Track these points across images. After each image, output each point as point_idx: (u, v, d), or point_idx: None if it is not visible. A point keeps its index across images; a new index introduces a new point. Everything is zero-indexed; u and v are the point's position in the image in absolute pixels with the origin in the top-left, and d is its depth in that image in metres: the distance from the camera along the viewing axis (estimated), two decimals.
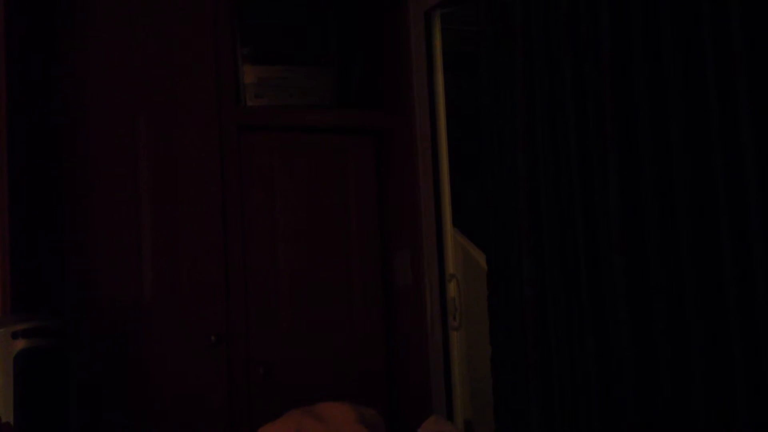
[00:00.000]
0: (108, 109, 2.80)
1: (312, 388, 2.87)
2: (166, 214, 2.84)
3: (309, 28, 3.18)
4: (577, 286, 2.03)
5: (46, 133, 2.73)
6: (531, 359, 2.15)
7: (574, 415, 2.04)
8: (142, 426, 2.71)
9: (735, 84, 1.64)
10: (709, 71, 1.70)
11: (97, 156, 2.78)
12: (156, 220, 2.82)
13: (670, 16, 1.78)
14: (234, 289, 2.89)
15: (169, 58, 2.89)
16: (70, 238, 2.71)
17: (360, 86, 3.28)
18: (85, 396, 2.52)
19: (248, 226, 2.95)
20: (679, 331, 1.78)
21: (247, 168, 2.97)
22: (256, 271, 2.94)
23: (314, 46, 3.15)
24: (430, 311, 2.90)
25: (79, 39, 2.79)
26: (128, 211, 2.79)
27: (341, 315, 3.04)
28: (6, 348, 2.04)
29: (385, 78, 3.18)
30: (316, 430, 1.71)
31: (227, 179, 2.92)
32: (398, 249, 3.07)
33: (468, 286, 2.90)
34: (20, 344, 2.05)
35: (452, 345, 2.92)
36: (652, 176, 1.85)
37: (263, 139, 3.03)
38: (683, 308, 1.77)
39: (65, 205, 2.72)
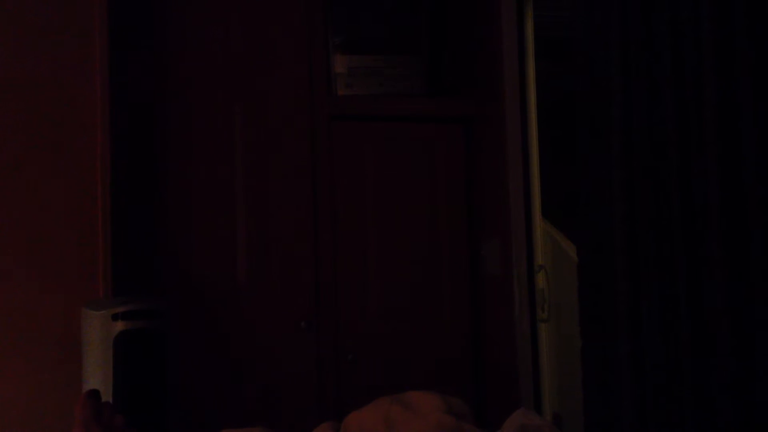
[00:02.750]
0: (207, 98, 2.88)
1: (398, 375, 2.89)
2: (260, 201, 2.90)
3: (399, 16, 3.18)
4: (673, 280, 1.97)
5: (146, 120, 2.82)
6: (623, 353, 2.10)
7: (667, 410, 1.98)
8: (234, 404, 2.78)
9: None
10: None
11: (196, 143, 2.86)
12: (249, 206, 2.88)
13: None
14: (323, 276, 2.93)
15: (264, 48, 2.95)
16: (168, 223, 2.80)
17: (449, 74, 3.26)
18: (180, 375, 2.60)
19: (338, 215, 2.98)
20: None
21: (338, 157, 3.00)
22: (345, 259, 2.97)
23: (404, 35, 3.15)
24: (519, 302, 2.87)
25: (179, 31, 2.87)
26: (224, 196, 2.87)
27: (429, 303, 3.04)
28: (107, 330, 2.12)
29: (475, 65, 3.14)
30: (404, 418, 1.72)
31: (318, 167, 2.96)
32: (487, 238, 3.04)
33: (557, 277, 2.85)
34: (120, 326, 2.13)
35: (540, 337, 2.88)
36: (755, 166, 1.77)
37: (353, 129, 3.05)
38: None
39: (164, 189, 2.81)
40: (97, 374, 2.11)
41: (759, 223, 1.76)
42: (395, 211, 3.06)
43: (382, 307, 3.00)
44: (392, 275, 3.02)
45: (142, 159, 2.80)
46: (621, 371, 2.11)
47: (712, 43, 1.85)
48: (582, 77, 2.29)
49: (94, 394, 1.56)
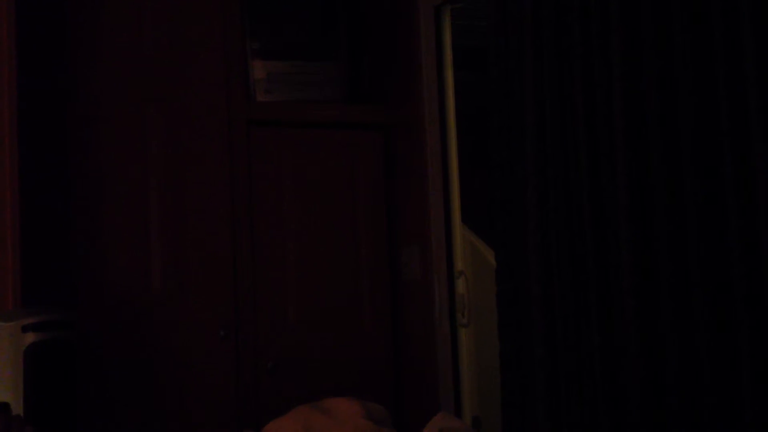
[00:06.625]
0: (119, 102, 2.81)
1: (319, 382, 2.88)
2: (175, 207, 2.84)
3: (318, 22, 3.18)
4: (584, 283, 2.03)
5: (55, 125, 2.75)
6: (538, 356, 2.15)
7: (580, 412, 2.04)
8: (150, 417, 2.72)
9: (745, 79, 1.64)
10: (720, 65, 1.69)
11: (107, 148, 2.79)
12: (165, 212, 2.83)
13: (680, 8, 1.78)
14: (242, 283, 2.90)
15: (180, 52, 2.89)
16: (79, 231, 2.73)
17: (369, 81, 3.28)
18: (94, 387, 2.54)
19: (256, 221, 2.96)
20: (686, 327, 1.78)
21: (256, 162, 2.97)
22: (264, 266, 2.95)
23: (324, 41, 3.15)
24: (439, 307, 2.90)
25: (91, 32, 2.80)
26: (137, 203, 2.80)
27: (349, 310, 3.05)
28: (16, 341, 2.06)
29: (394, 73, 3.17)
30: (324, 426, 1.72)
31: (236, 173, 2.93)
32: (407, 244, 3.07)
33: (476, 282, 2.89)
34: (30, 337, 2.07)
35: (460, 341, 2.92)
36: (660, 171, 1.84)
37: (272, 134, 3.03)
38: (690, 304, 1.77)
39: (74, 197, 2.74)
40: (6, 387, 2.04)
41: (664, 229, 1.84)
42: (315, 218, 3.05)
43: (302, 314, 2.99)
44: (312, 282, 3.01)
45: (53, 165, 2.72)
46: (536, 374, 2.16)
47: (620, 53, 1.92)
48: (497, 87, 2.34)
49: (4, 407, 1.52)
